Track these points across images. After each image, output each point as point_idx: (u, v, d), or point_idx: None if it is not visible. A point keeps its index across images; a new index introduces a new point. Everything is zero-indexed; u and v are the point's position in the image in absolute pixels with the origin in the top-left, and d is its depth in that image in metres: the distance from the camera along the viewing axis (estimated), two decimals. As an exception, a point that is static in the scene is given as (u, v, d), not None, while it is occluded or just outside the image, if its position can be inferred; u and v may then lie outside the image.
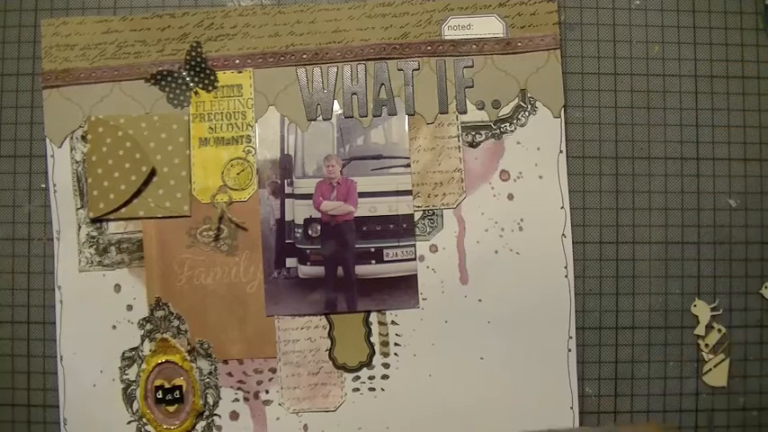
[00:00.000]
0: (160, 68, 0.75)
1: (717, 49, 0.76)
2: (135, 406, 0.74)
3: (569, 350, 0.73)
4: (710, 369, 0.74)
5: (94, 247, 0.75)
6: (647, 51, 0.76)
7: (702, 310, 0.75)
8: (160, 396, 0.74)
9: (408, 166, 0.74)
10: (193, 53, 0.75)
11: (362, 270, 0.74)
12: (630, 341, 0.75)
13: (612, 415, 0.74)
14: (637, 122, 0.75)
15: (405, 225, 0.74)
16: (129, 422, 0.74)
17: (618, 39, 0.76)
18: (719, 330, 0.74)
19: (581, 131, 0.75)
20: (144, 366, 0.74)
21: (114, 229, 0.75)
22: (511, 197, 0.74)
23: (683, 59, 0.76)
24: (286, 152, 0.75)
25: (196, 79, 0.75)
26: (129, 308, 0.75)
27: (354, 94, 0.75)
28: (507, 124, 0.74)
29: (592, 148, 0.75)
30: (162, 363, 0.74)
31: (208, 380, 0.74)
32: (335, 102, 0.75)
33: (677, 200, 0.75)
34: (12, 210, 0.77)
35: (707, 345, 0.75)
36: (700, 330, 0.75)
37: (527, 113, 0.74)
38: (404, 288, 0.74)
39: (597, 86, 0.75)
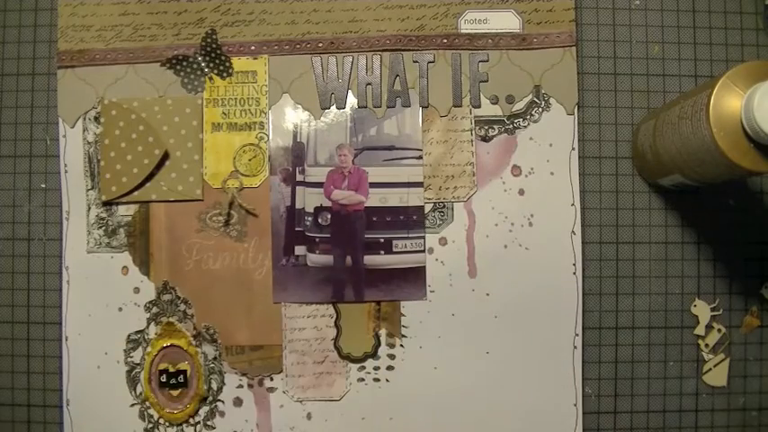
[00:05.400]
0: (176, 53, 0.75)
1: (717, 49, 0.76)
2: (138, 389, 0.74)
3: (575, 347, 0.74)
4: (710, 369, 0.75)
5: (103, 228, 0.74)
6: (646, 51, 0.76)
7: (702, 310, 0.75)
8: (164, 380, 0.74)
9: (420, 158, 0.74)
10: (209, 39, 0.75)
11: (371, 260, 0.74)
12: (630, 341, 0.75)
13: (612, 415, 0.75)
14: (636, 122, 0.75)
15: (415, 217, 0.74)
16: (131, 405, 0.74)
17: (618, 39, 0.76)
18: (719, 330, 0.75)
19: (581, 131, 0.75)
20: (149, 350, 0.74)
21: (124, 211, 0.74)
22: (522, 192, 0.74)
23: (683, 59, 0.76)
24: (298, 140, 0.75)
25: (212, 65, 0.75)
26: (136, 290, 0.74)
27: (369, 84, 0.75)
28: (520, 120, 0.75)
29: (592, 148, 0.75)
30: (167, 346, 0.74)
31: (212, 365, 0.74)
32: (350, 92, 0.75)
33: (677, 200, 0.75)
34: (12, 210, 0.76)
35: (707, 345, 0.75)
36: (700, 330, 0.75)
37: (540, 109, 0.75)
38: (412, 280, 0.74)
39: (597, 86, 0.76)
